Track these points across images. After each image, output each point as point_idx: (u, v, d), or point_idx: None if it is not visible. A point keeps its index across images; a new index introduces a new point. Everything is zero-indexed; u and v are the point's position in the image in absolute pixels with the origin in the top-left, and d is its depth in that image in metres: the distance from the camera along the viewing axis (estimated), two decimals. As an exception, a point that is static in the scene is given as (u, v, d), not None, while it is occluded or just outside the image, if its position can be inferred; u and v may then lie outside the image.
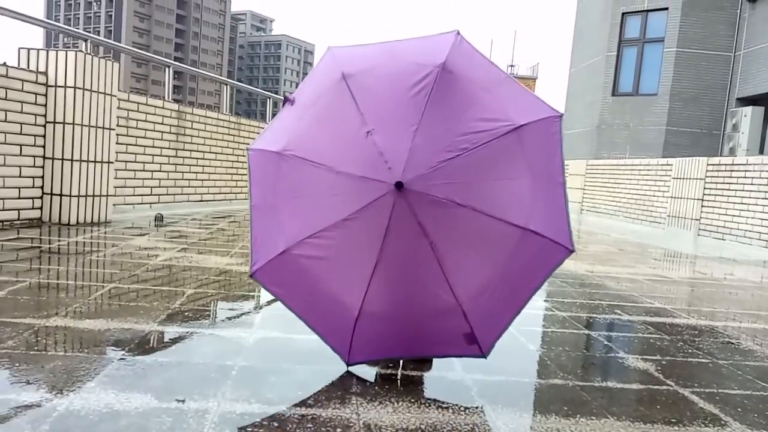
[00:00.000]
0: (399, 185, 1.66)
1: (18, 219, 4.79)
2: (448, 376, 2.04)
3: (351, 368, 1.99)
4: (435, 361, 2.16)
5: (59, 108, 4.96)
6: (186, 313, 2.58)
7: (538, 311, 3.26)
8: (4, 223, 4.64)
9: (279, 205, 1.86)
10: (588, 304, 3.55)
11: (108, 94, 5.30)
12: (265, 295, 2.97)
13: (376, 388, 1.88)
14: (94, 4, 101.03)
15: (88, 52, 5.23)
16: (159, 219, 5.94)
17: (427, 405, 1.77)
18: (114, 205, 5.70)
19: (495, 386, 1.98)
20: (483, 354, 1.91)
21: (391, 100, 1.80)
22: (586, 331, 2.88)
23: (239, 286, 3.25)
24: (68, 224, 5.02)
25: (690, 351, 2.63)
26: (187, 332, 2.31)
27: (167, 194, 6.80)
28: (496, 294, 1.84)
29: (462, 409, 1.76)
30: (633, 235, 9.91)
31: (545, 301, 3.54)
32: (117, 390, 1.69)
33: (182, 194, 7.10)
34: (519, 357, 2.37)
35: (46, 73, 4.96)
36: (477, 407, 1.78)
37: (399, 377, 1.99)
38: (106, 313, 2.49)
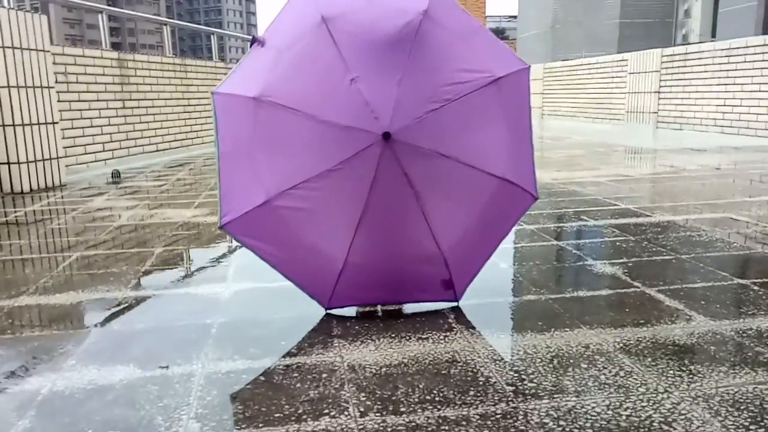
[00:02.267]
0: (386, 135, 1.66)
1: (-31, 193, 4.63)
2: (425, 306, 2.08)
3: (334, 310, 2.02)
4: (411, 292, 2.20)
5: (-9, 72, 4.70)
6: (157, 275, 2.56)
7: (506, 227, 3.32)
8: (-45, 199, 4.48)
9: (256, 154, 1.80)
10: (555, 213, 3.62)
11: (41, 51, 5.03)
12: (235, 246, 2.96)
13: (357, 327, 1.91)
14: None
15: (12, 6, 4.91)
16: (116, 175, 5.80)
17: (408, 338, 1.81)
18: (67, 166, 5.53)
19: (471, 310, 2.03)
20: (457, 299, 2.01)
21: (374, 46, 1.75)
22: (555, 242, 2.94)
23: (207, 239, 3.23)
24: (22, 192, 4.87)
25: (654, 249, 2.72)
26: (161, 294, 2.30)
27: (120, 148, 6.61)
28: (472, 241, 1.89)
29: (441, 338, 1.80)
30: (594, 134, 10.01)
31: (513, 215, 3.60)
32: (98, 364, 1.69)
33: (136, 146, 6.91)
34: (492, 277, 2.41)
35: (-30, 36, 4.67)
36: (455, 334, 1.83)
37: (379, 314, 2.03)
38: (76, 284, 2.46)
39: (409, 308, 2.06)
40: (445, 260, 1.87)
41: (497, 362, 1.63)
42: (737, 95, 8.17)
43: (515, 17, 35.87)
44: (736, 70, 8.20)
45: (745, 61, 8.04)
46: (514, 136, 1.90)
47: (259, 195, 1.79)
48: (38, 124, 5.00)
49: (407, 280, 1.96)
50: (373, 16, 1.82)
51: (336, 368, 1.62)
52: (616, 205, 3.80)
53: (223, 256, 2.83)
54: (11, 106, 4.78)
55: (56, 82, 5.38)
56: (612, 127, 11.10)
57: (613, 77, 11.44)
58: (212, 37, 9.36)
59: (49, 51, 5.13)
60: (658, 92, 9.83)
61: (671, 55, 9.58)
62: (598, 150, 7.40)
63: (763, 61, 7.71)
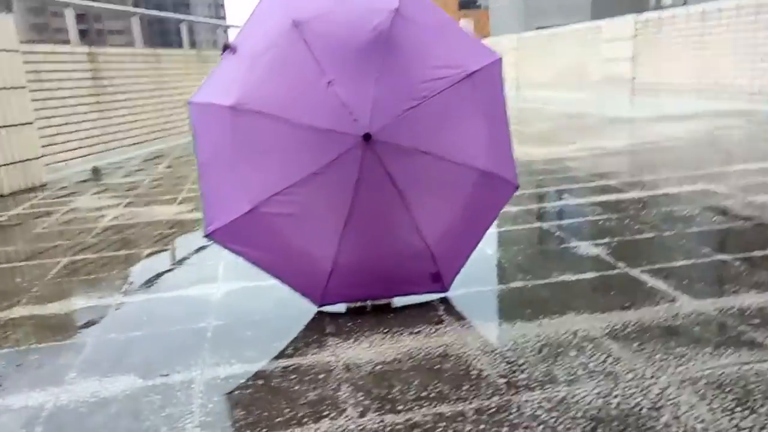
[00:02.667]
0: (367, 137, 1.69)
1: (-52, 199, 4.57)
2: (414, 298, 2.12)
3: (326, 308, 2.05)
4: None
5: (-39, 75, 4.62)
6: (148, 277, 2.58)
7: (490, 209, 3.36)
8: (-66, 206, 4.43)
9: (237, 162, 1.81)
10: (537, 193, 3.67)
11: (10, 51, 4.94)
12: (224, 242, 2.97)
13: (349, 324, 1.95)
14: None
15: (-22, 7, 4.81)
16: (95, 172, 5.75)
17: (400, 333, 1.85)
18: (46, 165, 5.47)
19: (459, 301, 2.07)
20: (445, 290, 2.06)
21: (348, 47, 1.76)
22: (539, 224, 2.99)
23: (194, 237, 3.24)
24: (2, 195, 4.82)
25: (636, 227, 2.78)
26: (154, 298, 2.32)
27: (98, 143, 6.54)
28: (457, 234, 1.93)
29: (432, 331, 1.85)
30: (571, 104, 10.07)
31: (496, 197, 3.64)
32: (99, 375, 1.72)
33: (113, 140, 6.83)
34: (478, 264, 2.45)
35: (-63, 39, 4.57)
36: (446, 327, 1.87)
37: (369, 308, 2.07)
38: (68, 292, 2.47)
39: (398, 301, 2.10)
40: (432, 255, 1.91)
41: (488, 354, 1.68)
42: (712, 60, 8.25)
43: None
44: (711, 34, 8.26)
45: (719, 25, 8.11)
46: (491, 128, 1.93)
47: (244, 203, 1.80)
48: (14, 125, 4.93)
49: (396, 276, 2.00)
50: (344, 17, 1.83)
51: (332, 368, 1.66)
52: (596, 181, 3.86)
53: (211, 254, 2.84)
54: (-15, 109, 4.70)
55: (28, 81, 5.29)
56: (588, 96, 11.16)
57: (587, 46, 11.47)
58: (182, 24, 9.22)
59: (18, 51, 5.04)
60: (633, 59, 9.89)
61: (645, 21, 9.62)
62: (576, 122, 7.46)
63: (737, 24, 7.78)
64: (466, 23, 22.84)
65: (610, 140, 5.92)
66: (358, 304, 2.09)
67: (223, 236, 1.89)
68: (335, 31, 1.80)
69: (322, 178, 1.75)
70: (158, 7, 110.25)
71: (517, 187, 2.03)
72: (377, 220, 1.85)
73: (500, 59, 1.96)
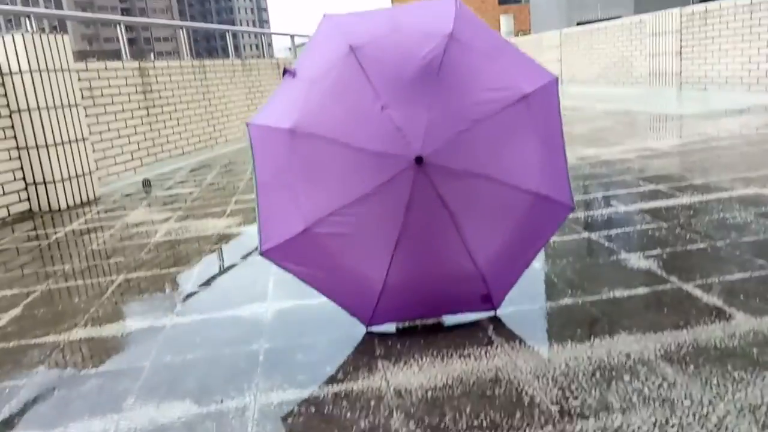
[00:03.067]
0: (419, 159, 1.71)
1: (9, 215, 4.77)
2: (462, 318, 2.12)
3: (374, 328, 2.07)
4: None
5: (20, 96, 4.81)
6: (200, 296, 2.64)
7: (536, 219, 3.33)
8: (-3, 223, 4.63)
9: (293, 183, 1.86)
10: (584, 200, 3.61)
11: (65, 70, 5.12)
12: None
13: (398, 346, 1.96)
14: None
15: (35, 30, 5.00)
16: (146, 184, 5.91)
17: (450, 356, 1.85)
18: (99, 179, 5.65)
19: (509, 320, 2.06)
20: (495, 308, 2.06)
21: (402, 72, 1.79)
22: (587, 234, 2.95)
23: (243, 252, 3.30)
24: (59, 210, 5.00)
25: (688, 237, 2.72)
26: (206, 318, 2.38)
27: (148, 155, 6.71)
28: (509, 256, 1.93)
29: (482, 353, 1.85)
30: (617, 101, 9.86)
31: (542, 205, 3.60)
32: (156, 401, 1.77)
33: (162, 152, 7.01)
34: (526, 279, 2.42)
35: (-4, 63, 4.77)
36: (496, 348, 1.87)
37: (419, 329, 2.07)
38: (124, 312, 2.55)
39: (447, 321, 2.10)
40: (483, 277, 1.91)
41: (540, 379, 1.67)
42: (762, 51, 7.96)
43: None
44: (759, 25, 7.98)
45: (769, 16, 7.83)
46: (546, 150, 1.91)
47: (298, 223, 1.84)
48: (69, 142, 5.11)
49: (446, 297, 2.01)
50: (399, 42, 1.85)
51: (383, 394, 1.68)
52: (645, 185, 3.78)
53: (261, 270, 2.89)
54: (42, 128, 4.89)
55: (82, 98, 5.48)
56: (634, 91, 10.91)
57: (632, 40, 11.21)
58: (227, 35, 9.38)
59: (73, 70, 5.22)
60: (680, 53, 9.62)
61: (691, 14, 9.35)
62: (623, 120, 7.31)
63: (789, 14, 7.50)
64: (506, 19, 22.58)
65: (658, 140, 5.78)
66: (408, 324, 2.11)
67: (277, 255, 1.94)
68: (391, 56, 1.82)
69: (374, 200, 1.78)
70: (204, 19, 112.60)
71: (572, 209, 2.00)
72: (428, 242, 1.86)
73: (555, 79, 1.94)
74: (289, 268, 1.98)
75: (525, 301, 2.20)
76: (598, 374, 1.66)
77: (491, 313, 2.08)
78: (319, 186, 1.84)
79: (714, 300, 2.05)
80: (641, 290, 2.20)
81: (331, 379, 1.80)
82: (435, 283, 1.93)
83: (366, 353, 1.94)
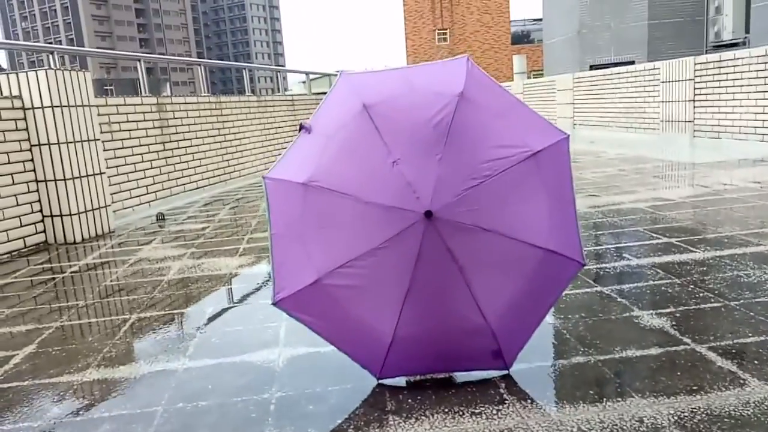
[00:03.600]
0: (428, 214, 1.75)
1: (25, 247, 4.83)
2: (474, 373, 2.12)
3: (386, 381, 2.07)
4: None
5: (41, 130, 4.92)
6: (212, 339, 2.66)
7: (549, 270, 3.33)
8: (12, 254, 4.68)
9: (306, 235, 1.90)
10: (595, 251, 3.62)
11: (86, 106, 5.24)
12: (284, 302, 3.04)
13: (410, 401, 1.96)
14: (50, 13, 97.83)
15: (58, 67, 5.13)
16: (160, 218, 5.97)
17: (461, 414, 1.85)
18: (114, 212, 5.71)
19: (521, 377, 2.06)
20: (507, 367, 2.05)
21: (414, 129, 1.85)
22: (599, 288, 2.95)
23: (255, 294, 3.32)
24: (74, 242, 5.06)
25: (702, 295, 2.71)
26: (218, 363, 2.39)
27: (162, 189, 6.80)
28: (519, 312, 1.94)
29: (494, 412, 1.84)
30: (629, 146, 9.91)
31: (554, 255, 3.61)
32: (167, 450, 1.78)
33: (177, 186, 7.09)
34: (538, 333, 2.42)
35: (20, 97, 4.89)
36: (508, 407, 1.86)
37: (429, 384, 2.07)
38: (137, 353, 2.57)
39: (459, 377, 2.10)
40: (493, 332, 1.92)
41: (552, 442, 1.66)
42: (776, 102, 8.00)
43: (540, 20, 35.54)
44: (773, 76, 8.03)
45: (782, 68, 7.89)
46: (555, 206, 1.94)
47: (310, 274, 1.87)
48: (87, 176, 5.20)
49: (456, 352, 2.01)
50: (412, 101, 1.90)
51: (395, 452, 1.67)
52: (658, 238, 3.78)
53: (273, 315, 2.89)
54: (61, 162, 4.98)
55: (101, 132, 5.58)
56: (647, 137, 10.95)
57: (645, 86, 11.29)
58: (244, 72, 9.56)
59: (93, 105, 5.33)
60: (693, 101, 9.68)
61: (705, 63, 9.43)
62: (635, 167, 7.33)
63: (802, 67, 7.54)
64: (519, 59, 22.86)
65: (671, 189, 5.79)
66: (419, 377, 2.11)
67: (289, 305, 1.97)
68: (402, 114, 1.88)
69: (384, 253, 1.81)
70: (219, 50, 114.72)
71: (583, 266, 2.02)
72: (437, 295, 1.88)
73: (567, 137, 1.98)
74: (301, 318, 2.01)
75: (537, 358, 2.20)
76: (610, 439, 1.65)
77: (504, 372, 2.08)
78: (331, 239, 1.88)
79: (728, 364, 2.04)
80: (654, 351, 2.20)
81: (342, 434, 1.80)
82: (444, 336, 1.94)
83: (377, 407, 1.94)
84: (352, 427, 1.83)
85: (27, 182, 4.91)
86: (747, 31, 17.30)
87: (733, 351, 2.14)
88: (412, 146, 1.83)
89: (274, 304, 1.97)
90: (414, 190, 1.77)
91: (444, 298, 1.89)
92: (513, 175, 1.84)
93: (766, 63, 8.18)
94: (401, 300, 1.85)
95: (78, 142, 5.12)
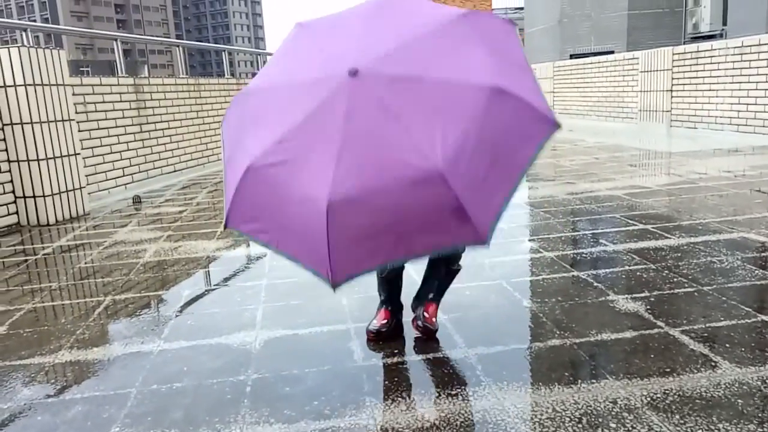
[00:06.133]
0: (353, 72, 1.66)
1: (-4, 228, 4.74)
2: (451, 354, 2.13)
3: (363, 362, 2.07)
4: (438, 336, 2.25)
5: (13, 108, 4.81)
6: (188, 321, 2.63)
7: (526, 255, 3.36)
8: (-16, 235, 4.59)
9: (243, 138, 1.83)
10: (572, 237, 3.65)
11: (60, 85, 5.13)
12: (261, 285, 3.02)
13: (386, 382, 1.96)
14: None
15: (31, 45, 5.01)
16: (137, 201, 5.89)
17: (438, 395, 1.86)
18: (89, 194, 5.62)
19: (497, 359, 2.07)
20: (482, 239, 1.68)
21: (342, 31, 1.88)
22: (575, 273, 2.97)
23: (233, 275, 3.30)
24: (48, 224, 4.97)
25: (676, 280, 2.75)
26: (194, 345, 2.36)
27: (139, 171, 6.70)
28: (477, 160, 1.69)
29: (471, 394, 1.85)
30: (607, 134, 9.99)
31: (531, 240, 3.63)
32: (142, 430, 1.76)
33: (154, 168, 7.00)
34: (515, 318, 2.46)
35: (-9, 75, 4.77)
36: (484, 389, 1.87)
37: (407, 364, 2.08)
38: (111, 335, 2.53)
39: (435, 357, 2.11)
40: (443, 177, 1.62)
41: (527, 423, 1.68)
42: (752, 93, 8.11)
43: (522, 9, 35.55)
44: (749, 68, 8.13)
45: (758, 59, 7.98)
46: (506, 65, 1.77)
47: (244, 164, 1.77)
48: (61, 156, 5.10)
49: (407, 218, 1.72)
50: (342, 14, 1.98)
51: (371, 432, 1.68)
52: (634, 225, 3.82)
53: (250, 297, 2.89)
54: (35, 142, 4.88)
55: (76, 112, 5.48)
56: (625, 126, 11.05)
57: (624, 76, 11.38)
58: (223, 54, 9.43)
59: (68, 84, 5.22)
60: (671, 90, 9.78)
61: (683, 53, 9.52)
62: (613, 155, 7.39)
63: (777, 58, 7.65)
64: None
65: (648, 177, 5.85)
66: (395, 358, 2.11)
67: (235, 217, 1.85)
68: (332, 24, 1.95)
69: (313, 119, 1.71)
70: (199, 32, 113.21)
71: (556, 125, 1.75)
72: (371, 146, 1.69)
73: (514, 25, 1.92)
74: (248, 229, 1.87)
75: (513, 341, 2.21)
76: (584, 420, 1.67)
77: (478, 351, 2.08)
78: (261, 126, 1.80)
79: (700, 347, 2.07)
80: (628, 334, 2.22)
81: (318, 415, 1.79)
82: (387, 194, 1.68)
83: (354, 389, 1.93)
84: (328, 408, 1.83)
85: (-1, 162, 4.81)
86: (725, 23, 17.48)
87: (705, 335, 2.17)
88: (340, 37, 1.86)
89: (226, 227, 1.86)
90: (339, 59, 1.73)
91: (380, 148, 1.68)
92: (444, 31, 1.78)
93: (742, 54, 8.28)
94: (333, 157, 1.67)
95: (52, 122, 5.02)
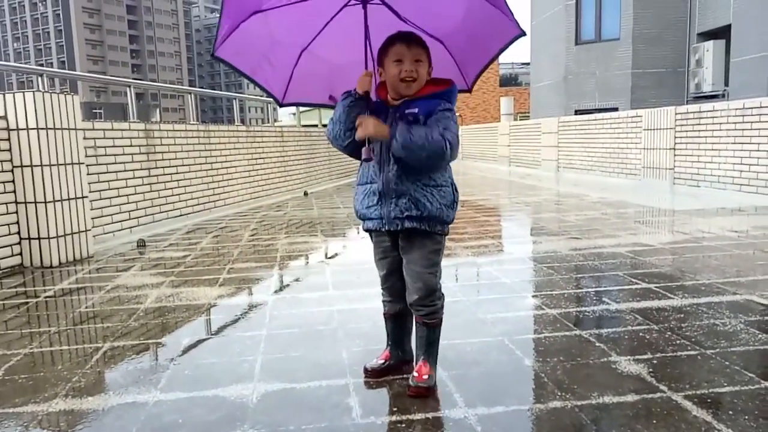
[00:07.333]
0: None
1: (0, 269, 4.75)
2: (451, 414, 2.10)
3: (361, 420, 2.04)
4: (439, 395, 2.22)
5: (24, 151, 4.88)
6: (186, 371, 2.61)
7: (529, 311, 3.34)
8: (-14, 275, 4.60)
9: None
10: (576, 294, 3.63)
11: (72, 129, 5.22)
12: (261, 336, 3.01)
13: (384, 441, 1.93)
14: (43, 35, 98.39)
15: (46, 90, 5.13)
16: (141, 245, 5.91)
17: (436, 457, 1.82)
18: (94, 236, 5.65)
19: (498, 420, 2.04)
20: (467, 86, 2.49)
21: None
22: (578, 332, 2.95)
23: (232, 323, 3.28)
24: (51, 266, 4.98)
25: (678, 342, 2.72)
26: (191, 397, 2.34)
27: (145, 215, 6.75)
28: (461, 39, 2.37)
29: (469, 456, 1.82)
30: (610, 190, 10.04)
31: (534, 297, 3.62)
32: (133, 486, 1.73)
33: (160, 212, 7.04)
34: (516, 377, 2.43)
35: (5, 117, 4.87)
36: (483, 452, 1.84)
37: (405, 425, 2.05)
38: (107, 383, 2.51)
39: (435, 417, 2.08)
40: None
41: (526, 489, 1.64)
42: (753, 154, 8.17)
43: (528, 64, 36.26)
44: (751, 129, 8.22)
45: (759, 121, 8.08)
46: None
47: (253, 10, 2.22)
48: (68, 199, 5.15)
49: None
50: None
51: (366, 494, 1.64)
52: (637, 283, 3.81)
53: (249, 348, 2.86)
54: (43, 184, 4.94)
55: (86, 156, 5.56)
56: (628, 183, 11.11)
57: (627, 133, 11.50)
58: (234, 101, 9.60)
59: (80, 129, 5.32)
60: (674, 149, 9.87)
61: (685, 113, 9.64)
62: (618, 211, 7.42)
63: (779, 120, 7.74)
64: (506, 101, 23.17)
65: (652, 235, 5.86)
66: (395, 416, 2.08)
67: (225, 52, 2.25)
68: None
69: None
70: (212, 86, 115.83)
71: (522, 33, 2.20)
72: (359, 27, 2.21)
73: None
74: (235, 61, 2.32)
75: (514, 402, 2.18)
76: (585, 488, 1.63)
77: (476, 411, 2.05)
78: None
79: (703, 414, 2.04)
80: (630, 397, 2.19)
81: (314, 475, 1.76)
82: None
83: (350, 448, 1.90)
84: (324, 467, 1.80)
85: (6, 203, 4.85)
86: (726, 84, 17.77)
87: (709, 400, 2.14)
88: None
89: (212, 56, 2.27)
90: None
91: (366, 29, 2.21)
92: None
93: (743, 116, 8.38)
94: (324, 22, 2.32)
95: (62, 165, 5.09)
